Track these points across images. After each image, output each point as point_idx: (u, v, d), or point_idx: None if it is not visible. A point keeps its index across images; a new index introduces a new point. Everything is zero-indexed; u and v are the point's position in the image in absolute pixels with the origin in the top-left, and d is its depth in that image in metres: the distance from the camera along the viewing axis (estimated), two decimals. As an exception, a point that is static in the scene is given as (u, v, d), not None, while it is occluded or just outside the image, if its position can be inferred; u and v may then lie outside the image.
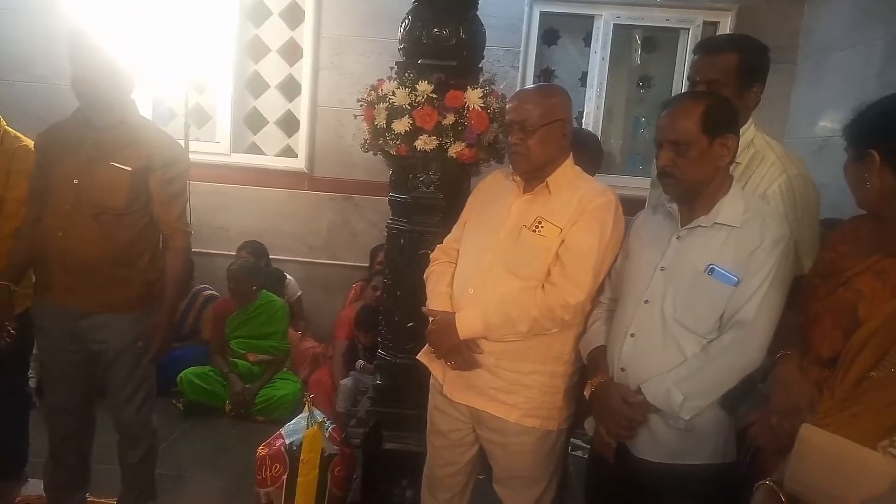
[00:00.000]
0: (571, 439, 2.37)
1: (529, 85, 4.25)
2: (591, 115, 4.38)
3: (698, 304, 1.68)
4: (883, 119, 1.42)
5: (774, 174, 1.86)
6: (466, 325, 1.89)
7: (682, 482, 1.68)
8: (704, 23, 4.21)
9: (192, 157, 2.85)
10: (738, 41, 2.00)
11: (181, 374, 3.81)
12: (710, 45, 2.03)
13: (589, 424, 1.88)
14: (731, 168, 1.76)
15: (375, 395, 2.68)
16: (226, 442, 3.54)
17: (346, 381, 3.65)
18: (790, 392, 1.51)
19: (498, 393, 1.92)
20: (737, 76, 1.89)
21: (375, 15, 4.31)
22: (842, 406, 1.24)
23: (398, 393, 2.57)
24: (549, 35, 4.53)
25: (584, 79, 4.46)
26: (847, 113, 1.51)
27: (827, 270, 1.55)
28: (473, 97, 2.32)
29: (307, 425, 2.63)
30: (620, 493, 1.79)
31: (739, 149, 1.76)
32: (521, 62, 4.33)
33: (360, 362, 3.75)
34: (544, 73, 4.51)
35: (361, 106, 2.53)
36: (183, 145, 3.34)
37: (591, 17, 4.35)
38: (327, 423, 2.75)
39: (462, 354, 1.91)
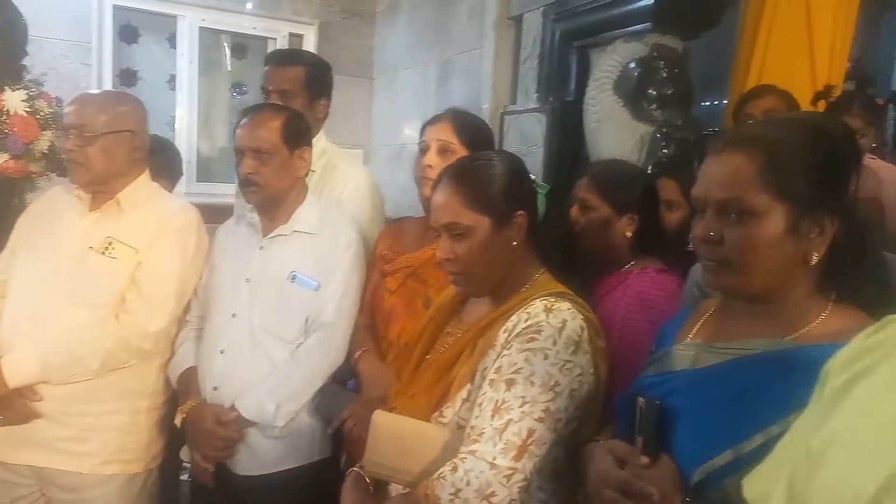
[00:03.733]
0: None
1: (108, 85, 3.83)
2: (184, 121, 4.16)
3: (284, 311, 1.72)
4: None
5: (346, 180, 2.02)
6: (16, 371, 1.59)
7: (286, 487, 1.71)
8: (290, 34, 4.36)
9: None
10: (304, 56, 2.12)
11: None
12: (278, 58, 2.11)
13: (185, 453, 1.77)
14: (307, 176, 1.84)
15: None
16: None
17: None
18: (375, 383, 1.63)
19: (67, 443, 1.66)
20: (305, 88, 2.01)
21: None
22: (405, 389, 1.39)
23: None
24: (128, 32, 4.14)
25: (173, 81, 4.20)
26: (418, 123, 1.74)
27: (389, 268, 1.74)
28: (14, 100, 1.96)
29: None
30: (228, 516, 1.73)
31: (314, 158, 1.85)
32: (95, 59, 3.85)
33: None
34: (125, 74, 4.10)
35: None
36: None
37: (174, 18, 4.12)
38: None
39: (13, 406, 1.60)
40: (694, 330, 1.05)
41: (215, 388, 1.70)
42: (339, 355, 1.73)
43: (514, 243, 1.25)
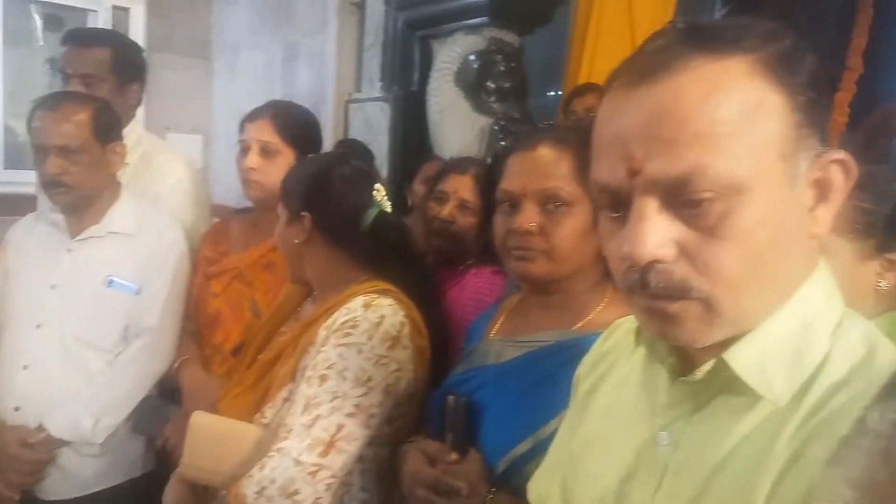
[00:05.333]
0: None
1: None
2: (-10, 100, 3.68)
3: (100, 319, 1.57)
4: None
5: (165, 173, 1.87)
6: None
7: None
8: (115, 7, 3.98)
9: None
10: (110, 35, 1.93)
11: None
12: (80, 37, 1.89)
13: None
14: (121, 171, 1.69)
15: None
16: None
17: None
18: (197, 395, 1.54)
19: None
20: (112, 71, 1.82)
21: None
22: (231, 389, 1.33)
23: None
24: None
25: (-28, 56, 3.69)
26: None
27: (214, 270, 1.64)
28: None
29: None
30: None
31: (129, 148, 1.70)
32: None
33: None
34: None
35: None
36: None
37: (-30, -18, 3.61)
38: None
39: None
40: (497, 325, 1.10)
41: (17, 409, 1.52)
42: (164, 361, 1.62)
43: (296, 241, 1.26)
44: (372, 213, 1.25)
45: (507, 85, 2.60)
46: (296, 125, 1.63)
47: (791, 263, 0.53)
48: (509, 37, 2.63)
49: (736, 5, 2.95)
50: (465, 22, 2.62)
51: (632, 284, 0.53)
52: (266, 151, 1.57)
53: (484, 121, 2.55)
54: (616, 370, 0.71)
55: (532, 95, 2.82)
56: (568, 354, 0.86)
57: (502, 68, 2.59)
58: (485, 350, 1.05)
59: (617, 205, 0.54)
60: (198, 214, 1.86)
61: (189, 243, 1.71)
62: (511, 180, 1.00)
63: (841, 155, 0.52)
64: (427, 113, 2.71)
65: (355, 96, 3.14)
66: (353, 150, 2.40)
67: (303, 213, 1.25)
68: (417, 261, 1.38)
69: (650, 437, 0.59)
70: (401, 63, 2.91)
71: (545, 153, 0.98)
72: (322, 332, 1.17)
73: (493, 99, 2.58)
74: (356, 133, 3.08)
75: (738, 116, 0.49)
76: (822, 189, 0.53)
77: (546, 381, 0.91)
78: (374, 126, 2.99)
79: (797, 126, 0.50)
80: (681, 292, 0.51)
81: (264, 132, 1.58)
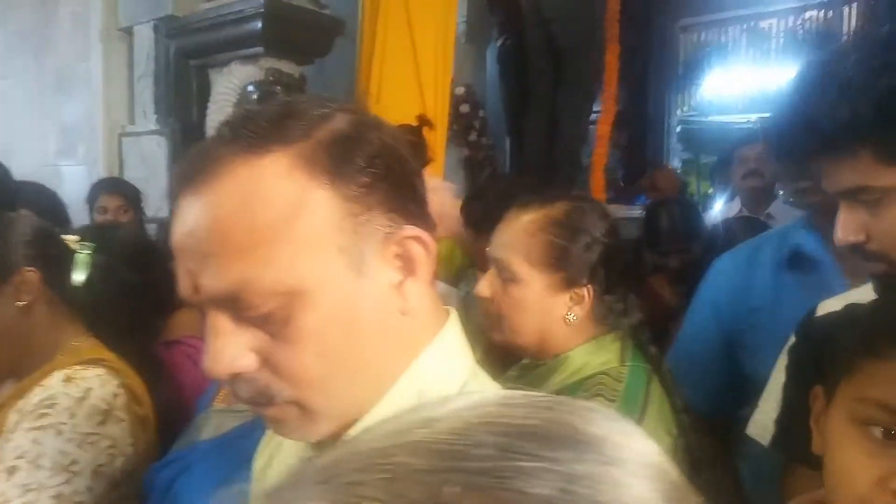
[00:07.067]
0: None
1: None
2: None
3: None
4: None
5: None
6: None
7: None
8: None
9: None
10: None
11: None
12: None
13: None
14: None
15: None
16: None
17: None
18: None
19: None
20: None
21: None
22: None
23: None
24: None
25: None
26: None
27: None
28: None
29: None
30: None
31: None
32: None
33: None
34: None
35: None
36: None
37: None
38: None
39: None
40: (224, 391, 1.00)
41: None
42: None
43: (20, 304, 1.05)
44: (81, 264, 1.10)
45: (289, 116, 2.53)
46: None
47: (383, 346, 0.51)
48: (288, 67, 2.56)
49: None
50: (240, 52, 2.51)
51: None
52: None
53: (266, 154, 2.45)
54: (284, 445, 0.65)
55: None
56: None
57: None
58: (200, 424, 0.95)
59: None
60: None
61: None
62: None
63: (415, 232, 0.51)
64: (206, 146, 2.55)
65: (129, 129, 2.88)
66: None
67: (26, 268, 1.05)
68: (145, 319, 1.24)
69: None
70: (176, 93, 2.72)
71: None
72: (13, 417, 1.00)
73: (275, 131, 2.49)
74: (132, 169, 2.83)
75: (277, 221, 0.47)
76: (406, 264, 0.51)
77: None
78: (150, 161, 2.76)
79: (352, 215, 0.48)
80: (268, 399, 0.49)
81: None
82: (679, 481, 0.26)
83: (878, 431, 0.52)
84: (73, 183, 2.99)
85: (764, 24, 5.18)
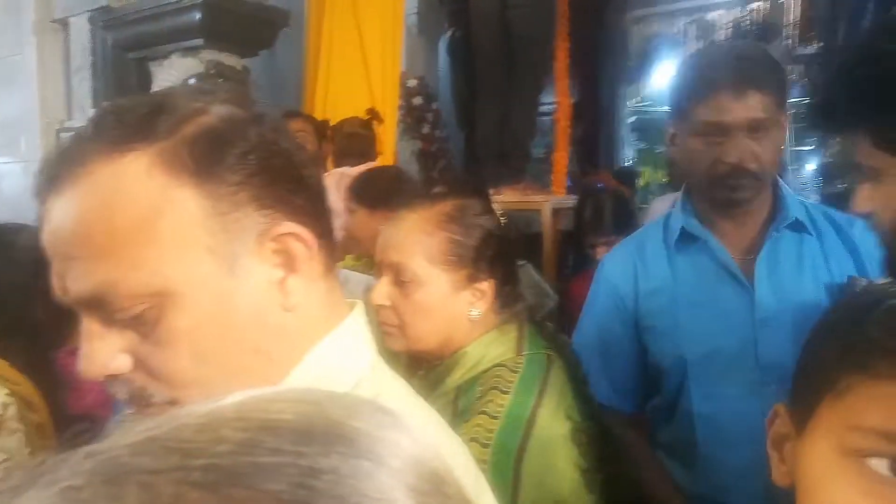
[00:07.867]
0: None
1: None
2: None
3: None
4: None
5: None
6: None
7: None
8: None
9: None
10: None
11: None
12: None
13: None
14: None
15: None
16: None
17: None
18: None
19: None
20: None
21: None
22: None
23: None
24: None
25: None
26: None
27: None
28: None
29: None
30: None
31: None
32: None
33: None
34: None
35: None
36: None
37: None
38: None
39: None
40: None
41: None
42: None
43: None
44: None
45: (230, 109, 2.48)
46: None
47: (264, 344, 0.50)
48: (230, 59, 2.51)
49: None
50: (180, 44, 2.45)
51: None
52: None
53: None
54: None
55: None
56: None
57: (225, 92, 2.47)
58: (115, 429, 0.92)
59: None
60: None
61: None
62: None
63: (291, 228, 0.49)
64: (147, 141, 2.49)
65: (67, 124, 2.79)
66: None
67: None
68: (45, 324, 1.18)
69: None
70: (116, 87, 2.64)
71: None
72: None
73: (217, 124, 2.45)
74: (71, 166, 2.74)
75: (137, 222, 0.45)
76: (287, 260, 0.50)
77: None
78: (89, 157, 2.68)
79: (220, 214, 0.47)
80: (144, 400, 0.49)
81: None
82: (448, 480, 0.24)
83: (882, 466, 0.43)
84: (11, 179, 2.90)
85: (711, 15, 5.29)
